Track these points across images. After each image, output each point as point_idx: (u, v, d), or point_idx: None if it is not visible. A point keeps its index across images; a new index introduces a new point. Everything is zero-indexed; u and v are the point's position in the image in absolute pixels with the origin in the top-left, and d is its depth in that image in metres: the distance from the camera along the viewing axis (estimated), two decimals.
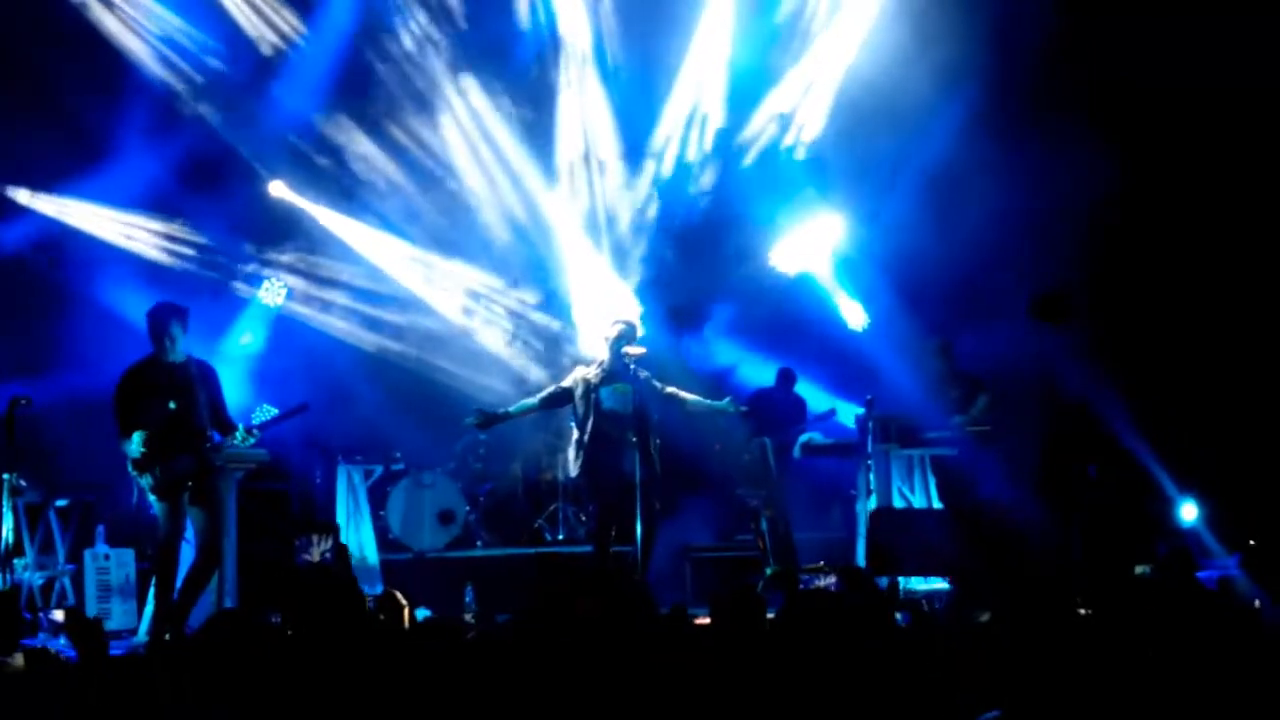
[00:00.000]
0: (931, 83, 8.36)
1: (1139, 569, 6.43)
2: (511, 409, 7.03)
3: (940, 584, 6.97)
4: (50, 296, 8.41)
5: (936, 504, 7.84)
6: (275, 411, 6.46)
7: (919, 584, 7.12)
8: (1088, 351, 8.51)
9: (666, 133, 9.82)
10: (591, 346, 8.40)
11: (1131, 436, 7.88)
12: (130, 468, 6.02)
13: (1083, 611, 4.59)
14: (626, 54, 9.57)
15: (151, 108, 8.71)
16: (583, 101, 9.69)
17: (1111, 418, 8.05)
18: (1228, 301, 8.34)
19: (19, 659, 3.85)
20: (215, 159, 8.87)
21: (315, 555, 6.04)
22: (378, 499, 8.46)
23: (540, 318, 9.92)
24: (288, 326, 9.27)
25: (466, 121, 9.54)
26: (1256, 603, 4.83)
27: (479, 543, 8.79)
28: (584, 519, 9.01)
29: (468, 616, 5.36)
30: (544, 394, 7.08)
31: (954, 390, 8.00)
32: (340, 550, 6.13)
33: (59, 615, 5.84)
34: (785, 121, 9.72)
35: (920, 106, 8.52)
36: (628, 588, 5.84)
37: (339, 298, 9.52)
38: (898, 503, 7.89)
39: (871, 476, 7.73)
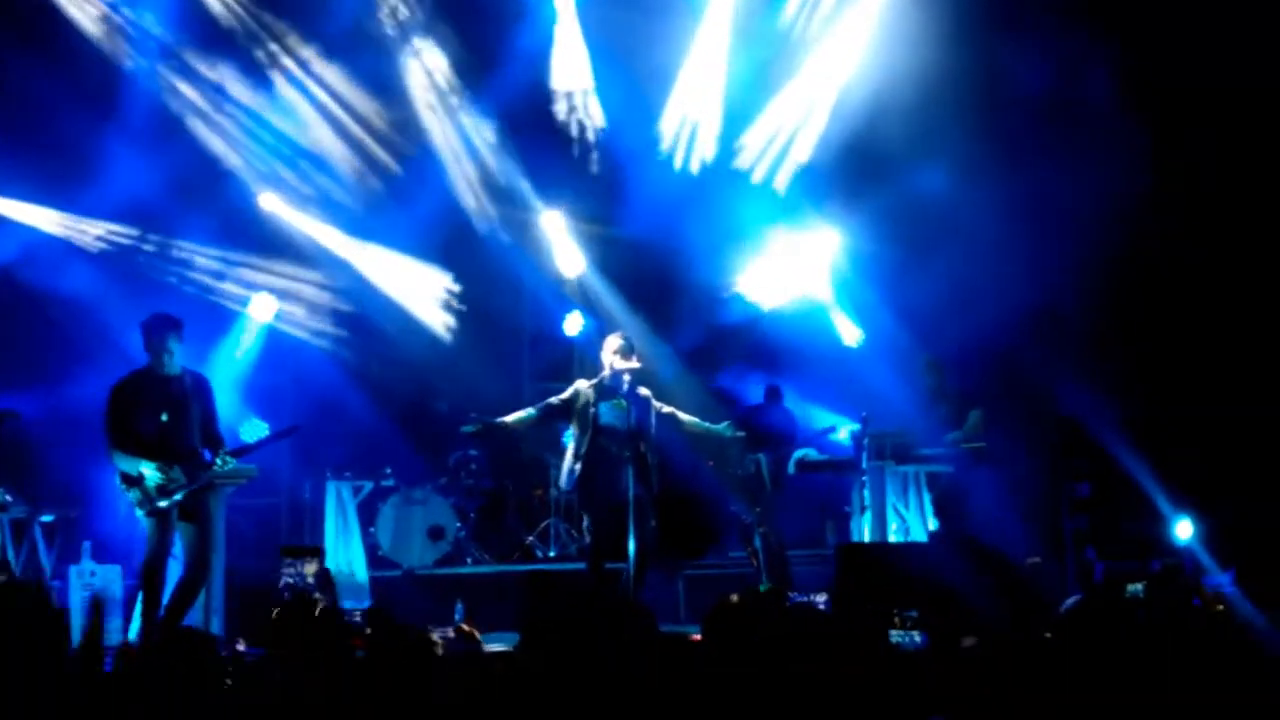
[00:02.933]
0: (929, 96, 8.35)
1: (1132, 587, 6.39)
2: (509, 419, 6.97)
3: None
4: (35, 311, 8.32)
5: (932, 520, 7.80)
6: (265, 428, 6.38)
7: None
8: (1082, 368, 8.51)
9: (662, 149, 9.76)
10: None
11: (1126, 453, 7.88)
12: (119, 482, 5.94)
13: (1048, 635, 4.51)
14: (620, 69, 9.53)
15: (139, 120, 8.66)
16: (573, 118, 9.66)
17: (1105, 435, 8.04)
18: (1221, 314, 8.35)
19: None
20: (205, 172, 8.81)
21: (298, 579, 5.90)
22: (367, 515, 8.38)
23: None
24: (278, 341, 9.18)
25: (455, 137, 9.50)
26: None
27: (469, 559, 8.70)
28: (576, 535, 8.94)
29: (448, 632, 5.23)
30: (542, 405, 7.02)
31: (944, 407, 8.01)
32: (324, 575, 5.99)
33: None
34: (781, 137, 9.68)
35: (918, 121, 8.51)
36: (626, 605, 5.78)
37: (329, 311, 9.44)
38: (892, 519, 7.85)
39: (866, 493, 7.72)
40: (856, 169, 9.26)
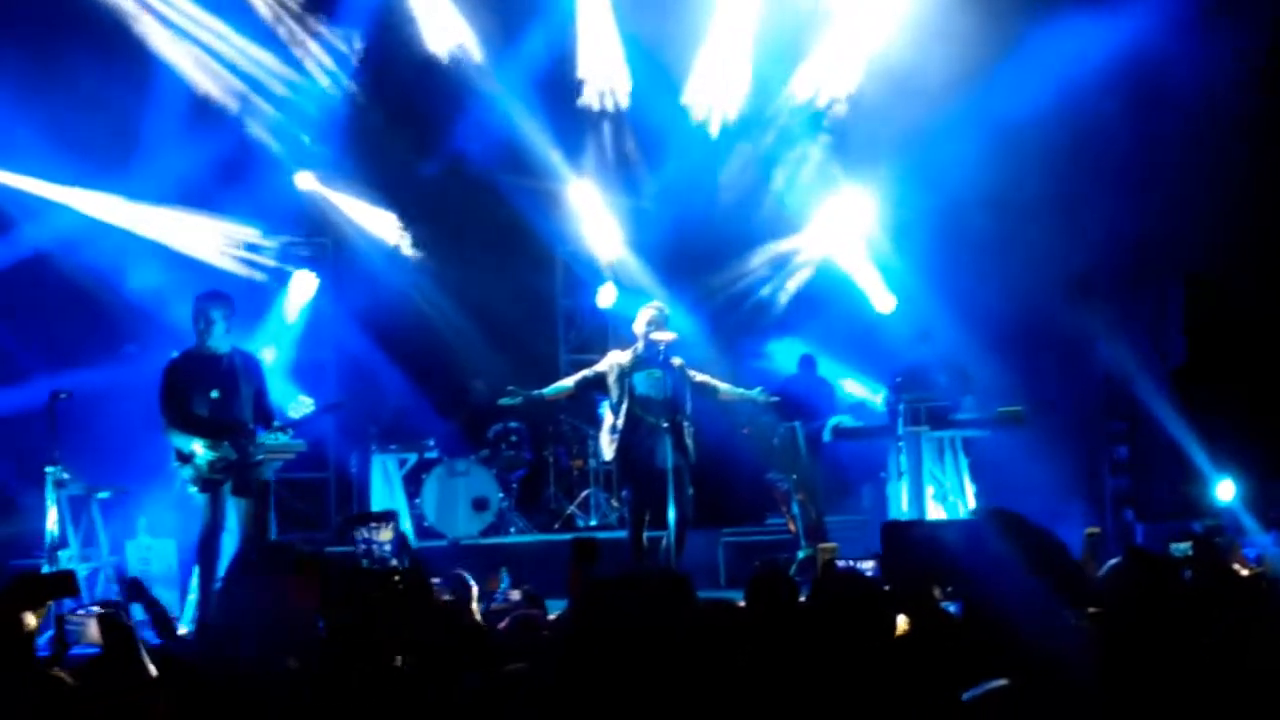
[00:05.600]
0: (965, 61, 8.23)
1: (1178, 547, 6.37)
2: (546, 391, 7.09)
3: None
4: (87, 292, 8.49)
5: (972, 484, 7.78)
6: (312, 403, 6.52)
7: None
8: (1121, 329, 8.46)
9: (692, 109, 9.64)
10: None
11: (1166, 414, 7.84)
12: (174, 459, 6.10)
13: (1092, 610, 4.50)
14: (647, 25, 9.43)
15: (181, 102, 8.75)
16: (602, 78, 9.58)
17: (1146, 396, 8.00)
18: (1261, 273, 8.26)
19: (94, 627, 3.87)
20: (245, 152, 8.92)
21: (378, 550, 5.91)
22: (412, 487, 8.54)
23: None
24: (320, 317, 9.34)
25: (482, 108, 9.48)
26: None
27: (513, 529, 8.84)
28: (616, 505, 9.06)
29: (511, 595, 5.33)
30: (578, 378, 7.14)
31: (941, 376, 7.97)
32: (404, 543, 6.01)
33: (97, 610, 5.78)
34: (815, 94, 9.57)
35: (954, 85, 8.39)
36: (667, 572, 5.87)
37: (369, 287, 9.56)
38: (929, 484, 7.84)
39: (903, 459, 7.72)
40: (889, 134, 9.19)
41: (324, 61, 9.10)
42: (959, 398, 7.74)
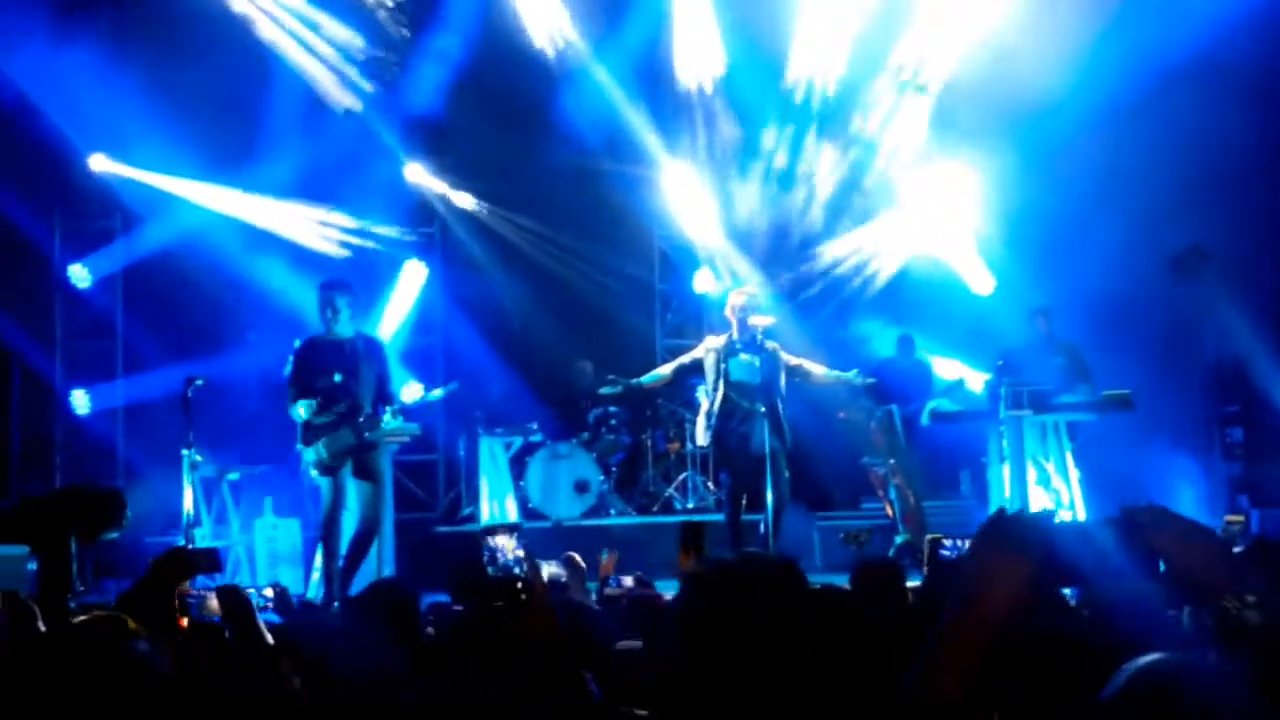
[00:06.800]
0: (1071, 38, 8.04)
1: None
2: (644, 379, 7.20)
3: None
4: (207, 282, 8.91)
5: (1077, 469, 7.66)
6: (422, 389, 6.80)
7: None
8: (1233, 308, 8.21)
9: (790, 90, 9.64)
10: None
11: None
12: (298, 442, 6.44)
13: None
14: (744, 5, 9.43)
15: (293, 97, 9.08)
16: (699, 61, 9.59)
17: (1262, 377, 7.76)
18: None
19: (214, 599, 4.13)
20: (359, 145, 9.22)
21: (502, 558, 6.08)
22: (517, 469, 8.82)
23: None
24: (427, 306, 9.65)
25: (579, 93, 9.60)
26: None
27: (613, 511, 9.04)
28: (713, 488, 9.19)
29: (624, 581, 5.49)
30: (675, 365, 7.23)
31: (1058, 357, 7.83)
32: (530, 560, 6.15)
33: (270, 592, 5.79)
34: (915, 71, 9.44)
35: (1059, 60, 8.20)
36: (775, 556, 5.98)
37: (475, 277, 9.84)
38: (1030, 467, 7.74)
39: (1004, 443, 7.63)
40: (990, 110, 9.03)
41: (426, 52, 9.33)
42: (1076, 382, 7.62)
